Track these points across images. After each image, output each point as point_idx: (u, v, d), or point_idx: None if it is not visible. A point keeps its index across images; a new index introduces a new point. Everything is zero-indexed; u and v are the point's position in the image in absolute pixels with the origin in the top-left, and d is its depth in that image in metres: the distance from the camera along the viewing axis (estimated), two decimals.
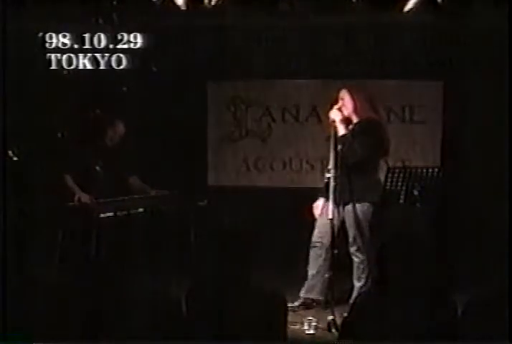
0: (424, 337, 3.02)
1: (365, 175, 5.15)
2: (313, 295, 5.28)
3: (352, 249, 5.20)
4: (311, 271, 5.29)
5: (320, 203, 5.29)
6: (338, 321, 4.49)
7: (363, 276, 5.18)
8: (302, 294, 5.30)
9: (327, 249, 5.11)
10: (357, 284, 5.22)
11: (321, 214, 5.23)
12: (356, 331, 3.15)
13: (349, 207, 5.11)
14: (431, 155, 6.57)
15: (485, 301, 3.16)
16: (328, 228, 5.01)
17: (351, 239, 5.18)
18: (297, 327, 4.70)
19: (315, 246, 5.27)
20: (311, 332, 4.68)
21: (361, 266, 5.19)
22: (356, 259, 5.21)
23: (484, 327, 3.06)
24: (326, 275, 5.05)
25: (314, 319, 4.74)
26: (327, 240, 5.08)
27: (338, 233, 5.10)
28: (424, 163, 6.04)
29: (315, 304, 5.26)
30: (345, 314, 3.38)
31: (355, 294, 5.16)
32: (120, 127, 5.90)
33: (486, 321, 3.06)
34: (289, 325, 3.61)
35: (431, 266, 3.22)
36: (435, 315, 3.08)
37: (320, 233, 5.20)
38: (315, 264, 5.27)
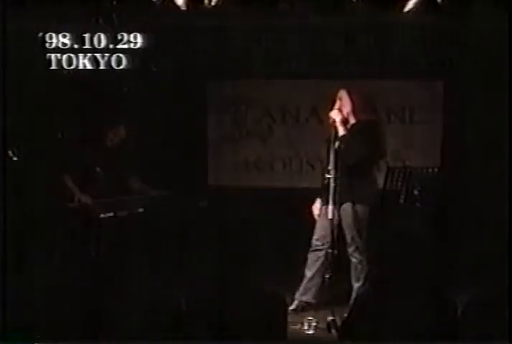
0: (424, 337, 3.03)
1: (363, 175, 5.13)
2: (308, 298, 5.24)
3: (350, 250, 5.17)
4: (309, 273, 5.26)
5: (318, 204, 5.28)
6: (338, 321, 4.49)
7: (362, 276, 5.16)
8: (297, 296, 5.27)
9: (327, 251, 5.10)
10: (355, 285, 5.20)
11: (320, 215, 5.22)
12: (355, 331, 3.15)
13: (347, 207, 5.10)
14: (431, 155, 6.56)
15: (485, 301, 3.17)
16: (327, 230, 5.01)
17: (349, 240, 5.15)
18: (297, 327, 4.69)
19: (316, 249, 5.23)
20: (311, 332, 4.68)
21: (359, 267, 5.16)
22: (354, 260, 5.18)
23: (484, 327, 3.06)
24: (326, 275, 5.03)
25: (314, 320, 4.73)
26: (327, 242, 5.07)
27: (338, 234, 5.09)
28: (424, 163, 6.03)
29: (309, 307, 5.22)
30: (346, 315, 3.38)
31: (354, 294, 5.15)
32: (120, 128, 5.90)
33: (486, 321, 3.06)
34: (289, 325, 3.60)
35: (431, 266, 3.23)
36: (435, 315, 3.08)
37: (321, 235, 5.17)
38: (314, 266, 5.24)
